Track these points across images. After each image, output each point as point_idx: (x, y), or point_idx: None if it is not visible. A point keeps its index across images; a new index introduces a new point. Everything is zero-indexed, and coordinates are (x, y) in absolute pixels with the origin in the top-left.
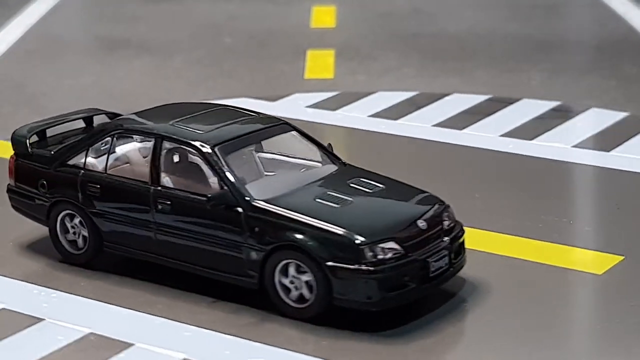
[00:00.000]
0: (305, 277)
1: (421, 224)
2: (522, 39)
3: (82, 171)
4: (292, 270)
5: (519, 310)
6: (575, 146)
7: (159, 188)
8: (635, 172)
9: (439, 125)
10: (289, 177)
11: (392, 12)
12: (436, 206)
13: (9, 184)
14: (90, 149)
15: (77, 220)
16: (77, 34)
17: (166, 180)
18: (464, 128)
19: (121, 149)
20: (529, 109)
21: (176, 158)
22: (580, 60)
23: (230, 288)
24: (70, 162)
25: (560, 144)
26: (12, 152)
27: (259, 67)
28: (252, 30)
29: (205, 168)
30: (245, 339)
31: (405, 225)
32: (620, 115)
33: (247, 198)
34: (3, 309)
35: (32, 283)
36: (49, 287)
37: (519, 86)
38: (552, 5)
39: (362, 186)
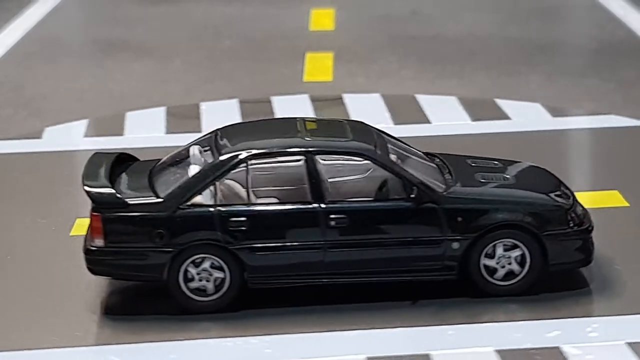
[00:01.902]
0: (515, 253)
1: (562, 184)
2: (521, 42)
3: (215, 208)
4: (499, 250)
5: (616, 250)
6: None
7: (327, 204)
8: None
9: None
10: (427, 168)
11: (390, 14)
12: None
13: (89, 247)
14: (218, 182)
15: (207, 264)
16: (76, 37)
17: (330, 194)
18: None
19: (257, 175)
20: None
21: (331, 171)
22: (579, 63)
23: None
24: (193, 202)
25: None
26: None
27: (258, 69)
28: (251, 32)
29: (374, 172)
30: (505, 321)
31: (562, 186)
32: (373, 96)
33: (438, 191)
34: None
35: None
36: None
37: (517, 89)
38: (551, 8)
39: (487, 164)
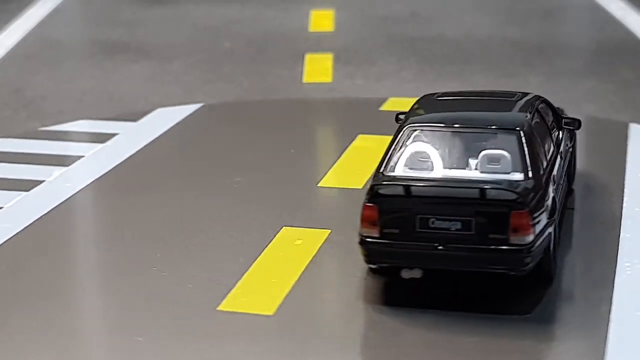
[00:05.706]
0: None
1: None
2: (520, 43)
3: (543, 181)
4: None
5: None
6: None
7: (561, 150)
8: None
9: None
10: None
11: (390, 16)
12: None
13: (513, 247)
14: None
15: None
16: (76, 38)
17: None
18: None
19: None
20: None
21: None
22: (578, 65)
23: None
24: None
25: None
26: None
27: (258, 71)
28: (251, 34)
29: (554, 120)
30: None
31: None
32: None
33: None
34: None
35: None
36: None
37: (516, 90)
38: (550, 10)
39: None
